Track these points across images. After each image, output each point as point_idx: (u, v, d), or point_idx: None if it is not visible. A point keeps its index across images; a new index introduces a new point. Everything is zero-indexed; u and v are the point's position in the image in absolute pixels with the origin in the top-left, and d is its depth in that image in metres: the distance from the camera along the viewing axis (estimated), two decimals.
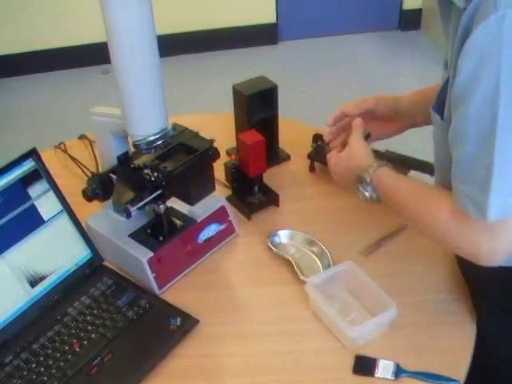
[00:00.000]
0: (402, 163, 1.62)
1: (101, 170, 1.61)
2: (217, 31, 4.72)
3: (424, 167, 1.66)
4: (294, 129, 2.05)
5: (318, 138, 1.88)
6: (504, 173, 1.03)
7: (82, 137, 2.09)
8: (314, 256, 1.58)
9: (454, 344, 1.35)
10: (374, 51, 4.64)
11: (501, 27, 0.95)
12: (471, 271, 1.40)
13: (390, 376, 1.28)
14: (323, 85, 4.29)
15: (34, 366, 1.34)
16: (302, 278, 1.49)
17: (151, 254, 1.49)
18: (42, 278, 1.46)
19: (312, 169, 1.88)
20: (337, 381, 1.30)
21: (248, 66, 4.45)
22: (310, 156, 1.86)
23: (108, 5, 1.22)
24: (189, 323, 1.41)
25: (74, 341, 1.38)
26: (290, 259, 1.54)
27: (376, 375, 1.28)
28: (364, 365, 1.31)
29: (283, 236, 1.64)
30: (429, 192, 1.26)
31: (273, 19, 4.77)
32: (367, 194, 1.37)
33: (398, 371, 1.28)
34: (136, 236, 1.55)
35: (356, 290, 1.45)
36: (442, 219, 1.18)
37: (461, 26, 1.04)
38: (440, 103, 1.19)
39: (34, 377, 1.31)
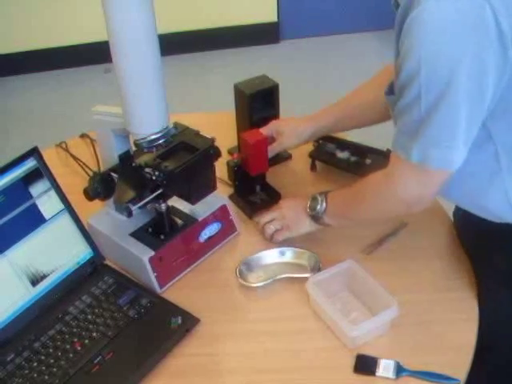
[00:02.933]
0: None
1: (102, 169, 1.61)
2: (218, 30, 4.72)
3: None
4: None
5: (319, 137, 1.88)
6: (428, 128, 1.21)
7: (83, 135, 2.09)
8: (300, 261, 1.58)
9: (455, 343, 1.35)
10: (376, 50, 4.64)
11: (421, 17, 1.11)
12: (472, 232, 1.53)
13: (390, 375, 1.28)
14: (324, 84, 4.28)
15: (35, 364, 1.34)
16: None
17: (152, 252, 1.49)
18: (43, 277, 1.46)
19: (313, 168, 1.87)
20: (338, 380, 1.30)
21: (249, 64, 4.45)
22: (311, 155, 1.86)
23: (109, 4, 1.22)
24: (190, 322, 1.41)
25: (75, 339, 1.38)
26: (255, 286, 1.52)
27: (377, 374, 1.28)
28: (365, 364, 1.31)
29: (254, 263, 1.58)
30: (367, 178, 1.44)
31: (274, 18, 4.77)
32: (318, 207, 1.52)
33: (399, 370, 1.28)
34: (137, 235, 1.55)
35: (357, 289, 1.45)
36: (379, 182, 1.38)
37: (396, 19, 1.22)
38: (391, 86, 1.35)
39: (36, 375, 1.31)
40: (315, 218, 1.54)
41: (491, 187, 1.32)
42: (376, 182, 1.40)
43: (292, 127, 1.74)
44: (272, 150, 1.73)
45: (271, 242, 1.60)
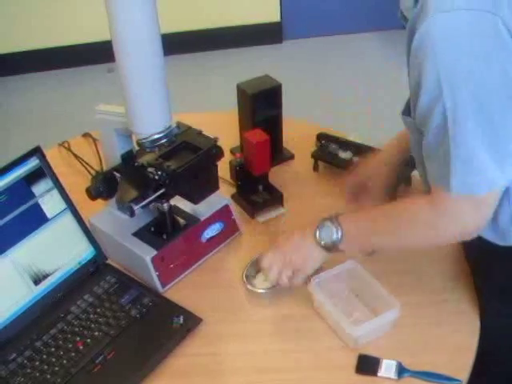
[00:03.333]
0: (407, 163, 1.62)
1: (105, 169, 1.61)
2: (221, 30, 4.72)
3: None
4: (298, 128, 2.05)
5: (321, 137, 1.88)
6: (459, 156, 1.12)
7: (86, 135, 2.09)
8: None
9: (457, 344, 1.35)
10: (379, 50, 4.63)
11: (431, 32, 1.04)
12: (476, 250, 1.43)
13: (392, 375, 1.28)
14: (328, 84, 4.28)
15: (37, 363, 1.34)
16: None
17: (155, 252, 1.49)
18: (45, 276, 1.46)
19: (316, 168, 1.87)
20: (340, 380, 1.30)
21: (252, 64, 4.44)
22: (313, 155, 1.86)
23: (113, 3, 1.22)
24: (192, 322, 1.41)
25: (77, 339, 1.38)
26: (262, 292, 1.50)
27: (379, 375, 1.28)
28: (367, 364, 1.31)
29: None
30: (397, 203, 1.35)
31: (277, 18, 4.76)
32: (334, 236, 1.34)
33: (401, 371, 1.28)
34: (139, 234, 1.55)
35: (359, 290, 1.45)
36: (423, 211, 1.25)
37: (406, 33, 1.14)
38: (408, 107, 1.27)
39: (38, 374, 1.32)
40: (329, 248, 1.37)
41: (501, 208, 1.24)
42: (420, 208, 1.26)
43: (375, 169, 1.62)
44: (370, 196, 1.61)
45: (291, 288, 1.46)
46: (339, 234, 1.34)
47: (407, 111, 1.26)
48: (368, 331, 1.33)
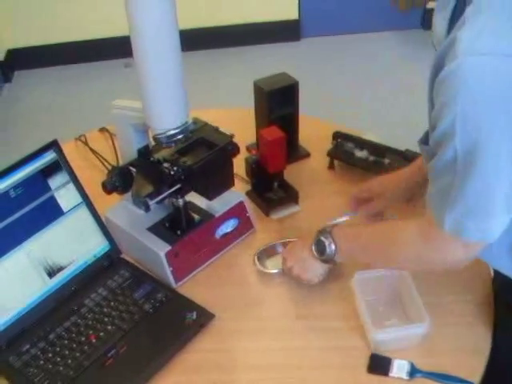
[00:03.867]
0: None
1: (121, 163, 1.62)
2: (239, 27, 4.71)
3: None
4: (314, 126, 2.05)
5: (337, 135, 1.87)
6: (461, 196, 1.09)
7: (102, 129, 2.10)
8: None
9: (470, 346, 1.34)
10: (396, 50, 4.61)
11: (457, 73, 1.01)
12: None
13: (404, 376, 1.27)
14: (344, 83, 4.27)
15: (50, 355, 1.35)
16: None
17: (169, 247, 1.49)
18: (59, 269, 1.47)
19: (331, 166, 1.87)
20: (351, 379, 1.30)
21: (270, 62, 4.44)
22: (329, 154, 1.86)
23: (132, 0, 1.22)
24: (204, 317, 1.42)
25: (90, 332, 1.39)
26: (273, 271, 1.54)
27: (390, 374, 1.28)
28: (379, 364, 1.31)
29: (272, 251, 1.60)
30: (389, 224, 1.34)
31: (295, 15, 4.76)
32: (327, 250, 1.37)
33: (413, 371, 1.28)
34: (154, 229, 1.56)
35: (401, 295, 1.44)
36: (412, 238, 1.25)
37: (432, 66, 1.11)
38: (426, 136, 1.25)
39: (50, 366, 1.32)
40: (325, 261, 1.41)
41: None
42: (410, 235, 1.26)
43: (385, 187, 1.60)
44: (373, 208, 1.60)
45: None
46: (332, 248, 1.37)
47: (425, 140, 1.24)
48: (391, 338, 1.32)
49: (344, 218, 1.57)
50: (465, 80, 1.00)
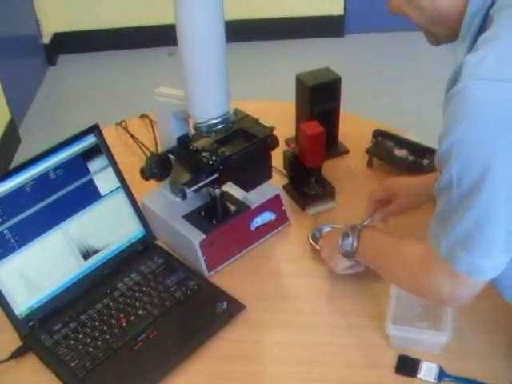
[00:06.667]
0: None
1: (160, 150, 1.63)
2: (284, 20, 4.71)
3: None
4: (355, 123, 2.04)
5: (378, 133, 1.86)
6: (457, 222, 1.07)
7: (143, 116, 2.11)
8: None
9: (502, 352, 1.32)
10: (442, 49, 4.56)
11: (459, 96, 1.00)
12: None
13: (432, 379, 1.26)
14: (387, 81, 4.24)
15: (80, 336, 1.36)
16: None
17: (203, 236, 1.50)
18: (94, 252, 1.49)
19: (370, 164, 1.86)
20: (378, 379, 1.29)
21: (312, 56, 4.42)
22: (368, 151, 1.85)
23: None
24: (235, 308, 1.42)
25: (121, 315, 1.41)
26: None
27: (418, 376, 1.27)
28: (407, 365, 1.30)
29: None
30: (405, 241, 1.30)
31: (340, 11, 4.74)
32: (349, 247, 1.39)
33: (441, 375, 1.27)
34: (190, 218, 1.56)
35: None
36: (414, 261, 1.21)
37: (448, 80, 1.09)
38: None
39: (80, 347, 1.34)
40: (347, 256, 1.42)
41: None
42: (411, 260, 1.23)
43: (404, 187, 1.60)
44: (392, 210, 1.60)
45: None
46: (354, 245, 1.38)
47: None
48: (407, 338, 1.31)
49: (367, 222, 1.55)
50: (469, 104, 0.99)
